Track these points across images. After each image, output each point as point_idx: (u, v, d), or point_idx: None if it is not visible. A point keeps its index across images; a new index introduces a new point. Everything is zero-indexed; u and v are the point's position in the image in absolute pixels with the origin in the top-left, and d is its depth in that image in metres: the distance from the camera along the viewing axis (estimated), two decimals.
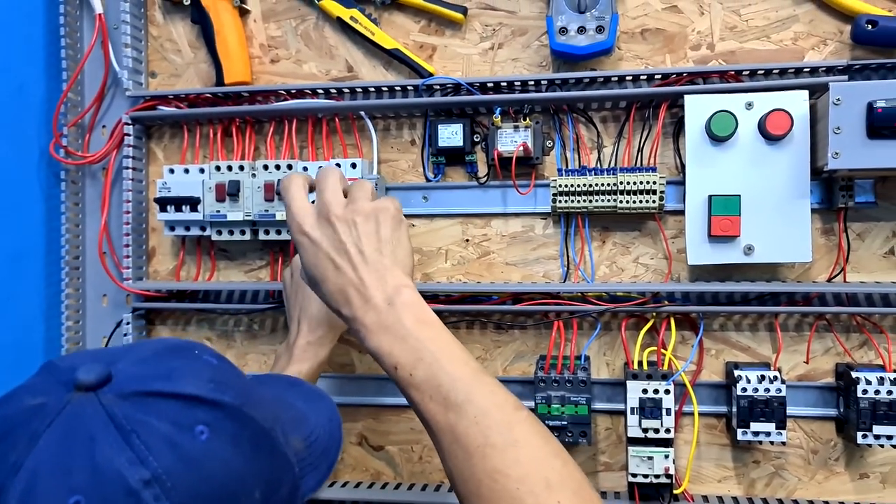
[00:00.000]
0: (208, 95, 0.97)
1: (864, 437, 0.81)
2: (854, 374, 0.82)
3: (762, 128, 0.82)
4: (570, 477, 0.58)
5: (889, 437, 0.80)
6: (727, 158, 0.84)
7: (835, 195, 0.85)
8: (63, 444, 0.41)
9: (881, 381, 0.81)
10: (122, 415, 0.43)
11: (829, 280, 0.87)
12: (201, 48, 0.99)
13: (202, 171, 0.94)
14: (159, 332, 1.01)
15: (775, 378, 0.83)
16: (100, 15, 0.98)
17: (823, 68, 0.85)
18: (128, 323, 0.97)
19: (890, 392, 0.80)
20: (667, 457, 0.83)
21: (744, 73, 0.87)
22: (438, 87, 0.92)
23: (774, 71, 0.86)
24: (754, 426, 0.83)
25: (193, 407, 0.45)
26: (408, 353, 0.63)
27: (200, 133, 0.98)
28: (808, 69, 0.85)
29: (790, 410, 0.87)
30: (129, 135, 0.97)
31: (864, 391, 0.81)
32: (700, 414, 0.89)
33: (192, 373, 0.47)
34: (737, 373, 0.84)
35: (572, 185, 0.88)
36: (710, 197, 0.83)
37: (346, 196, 0.71)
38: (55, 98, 0.98)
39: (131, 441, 0.42)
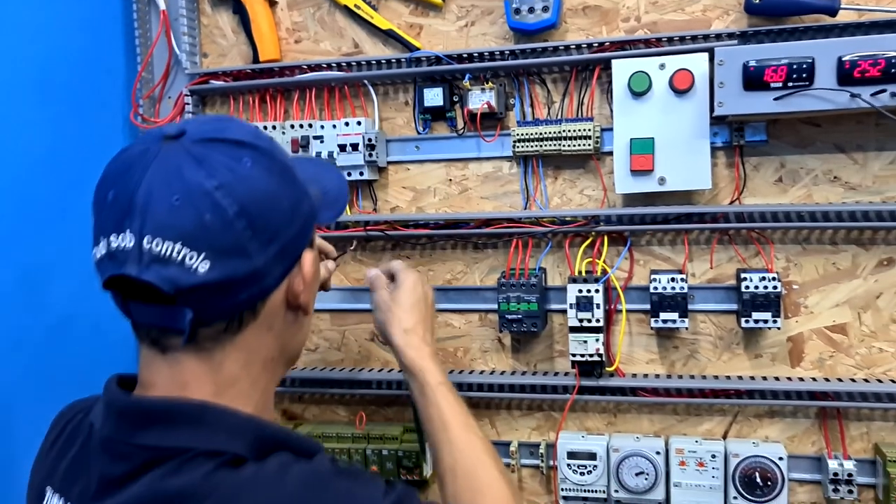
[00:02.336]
0: (248, 71, 1.24)
1: (746, 322, 1.05)
2: (742, 275, 1.06)
3: (671, 84, 1.05)
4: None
5: (765, 321, 1.04)
6: (645, 109, 1.07)
7: (732, 135, 1.07)
8: (163, 169, 0.62)
9: (761, 279, 1.04)
10: (195, 152, 0.63)
11: (731, 203, 1.10)
12: (241, 33, 1.26)
13: None
14: None
15: (681, 279, 1.07)
16: (163, 11, 1.25)
17: (725, 34, 1.07)
18: None
19: (766, 287, 1.04)
20: (597, 340, 1.09)
21: (662, 40, 1.09)
22: (424, 58, 1.17)
23: (686, 37, 1.08)
24: (663, 315, 1.08)
25: (240, 147, 0.65)
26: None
27: (242, 101, 1.26)
28: (713, 35, 1.07)
29: (701, 306, 1.12)
30: (188, 104, 1.25)
31: (747, 287, 1.05)
32: (631, 311, 1.14)
33: (238, 128, 0.70)
34: (652, 276, 1.09)
35: (527, 134, 1.13)
36: (630, 140, 1.07)
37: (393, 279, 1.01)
38: (132, 77, 1.27)
39: (203, 166, 0.62)
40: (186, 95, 1.25)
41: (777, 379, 1.09)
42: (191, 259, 0.60)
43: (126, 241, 0.60)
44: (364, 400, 1.26)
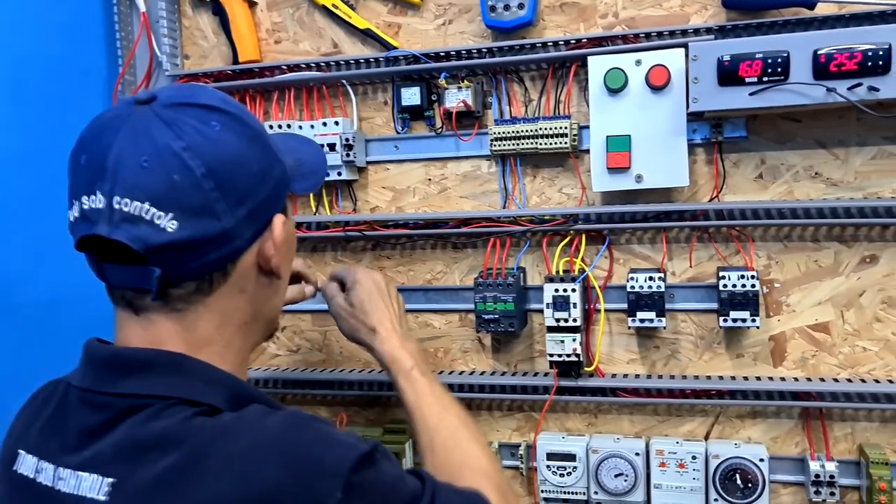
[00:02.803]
0: (228, 72, 1.24)
1: (725, 321, 1.03)
2: (721, 273, 1.04)
3: (647, 80, 1.04)
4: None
5: (743, 320, 1.03)
6: (621, 106, 1.06)
7: (711, 132, 1.06)
8: (133, 132, 0.64)
9: (740, 277, 1.03)
10: (165, 115, 0.65)
11: (710, 201, 1.08)
12: (221, 34, 1.26)
13: None
14: None
15: (659, 278, 1.06)
16: (144, 13, 1.25)
17: (703, 29, 1.05)
18: None
19: (744, 286, 1.02)
20: (574, 340, 1.07)
21: (639, 35, 1.07)
22: (402, 57, 1.16)
23: (664, 33, 1.06)
24: (640, 314, 1.06)
25: (210, 112, 0.67)
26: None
27: None
28: (690, 30, 1.06)
29: (682, 305, 1.10)
30: None
31: (725, 285, 1.03)
32: (610, 310, 1.13)
33: (208, 95, 0.71)
34: (630, 275, 1.07)
35: (505, 132, 1.12)
36: (607, 137, 1.06)
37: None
38: (114, 78, 1.28)
39: (172, 128, 0.64)
40: None
41: (759, 379, 1.07)
42: (159, 218, 0.62)
43: (97, 202, 0.63)
44: (345, 401, 1.25)
